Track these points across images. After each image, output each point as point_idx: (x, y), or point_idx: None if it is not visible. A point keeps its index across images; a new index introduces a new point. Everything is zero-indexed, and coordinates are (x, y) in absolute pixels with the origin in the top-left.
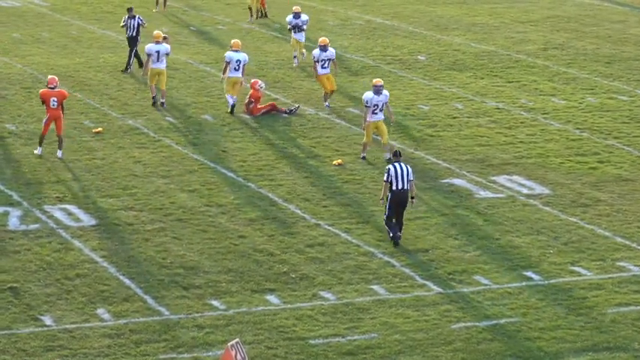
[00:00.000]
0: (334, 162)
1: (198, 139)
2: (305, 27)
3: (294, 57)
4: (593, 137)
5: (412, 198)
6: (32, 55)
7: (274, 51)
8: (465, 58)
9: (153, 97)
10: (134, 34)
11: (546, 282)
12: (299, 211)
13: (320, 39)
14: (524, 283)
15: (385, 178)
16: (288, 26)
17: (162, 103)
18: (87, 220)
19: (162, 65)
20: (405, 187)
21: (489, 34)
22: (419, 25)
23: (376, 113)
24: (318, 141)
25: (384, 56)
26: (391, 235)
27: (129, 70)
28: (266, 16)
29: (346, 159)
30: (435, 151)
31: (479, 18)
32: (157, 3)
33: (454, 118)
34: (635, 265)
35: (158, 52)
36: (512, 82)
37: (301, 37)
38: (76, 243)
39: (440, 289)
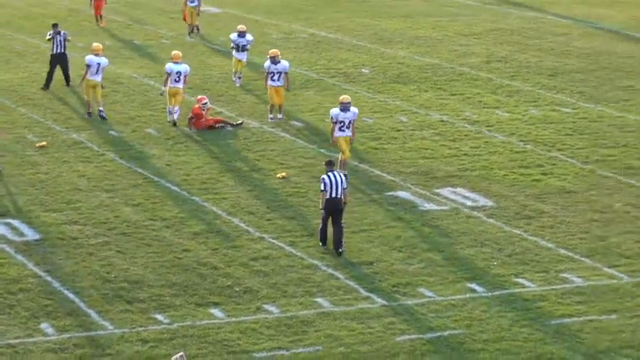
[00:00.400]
0: (278, 175)
1: (142, 152)
2: (249, 47)
3: (237, 77)
4: (537, 149)
5: (344, 203)
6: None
7: (218, 65)
8: (408, 71)
9: (88, 113)
10: (62, 50)
11: (490, 294)
12: (243, 225)
13: (271, 50)
14: (468, 295)
15: (322, 188)
16: (232, 45)
17: (101, 111)
18: (31, 234)
19: (98, 78)
20: (339, 196)
21: (433, 47)
22: (363, 39)
23: (343, 130)
24: (263, 154)
25: (327, 69)
26: (320, 239)
27: (70, 84)
28: (197, 30)
29: (290, 172)
30: (379, 163)
31: (422, 31)
32: (101, 19)
33: (398, 130)
34: (578, 277)
35: (99, 64)
36: (456, 94)
37: (243, 56)
38: (20, 257)
39: (384, 302)
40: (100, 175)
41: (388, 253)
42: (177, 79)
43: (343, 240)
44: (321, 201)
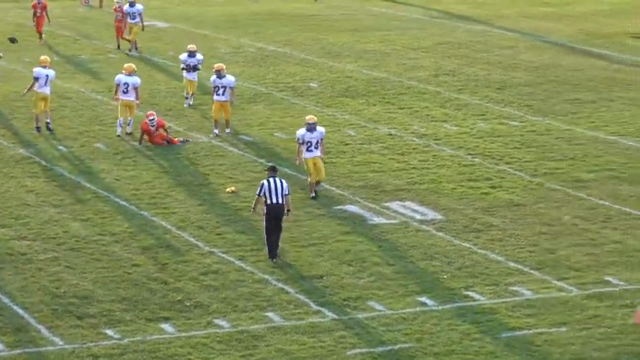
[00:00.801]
0: (227, 189)
1: (90, 167)
2: (199, 66)
3: (186, 98)
4: (485, 163)
5: (288, 211)
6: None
7: (166, 79)
8: (357, 84)
9: (37, 128)
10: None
11: (440, 307)
12: (193, 239)
13: (216, 65)
14: (418, 309)
15: (257, 192)
16: (182, 65)
17: (48, 123)
18: None
19: (47, 90)
20: (280, 202)
21: (381, 61)
22: (311, 53)
23: (311, 150)
24: (212, 168)
25: (276, 83)
26: (268, 250)
27: None
28: (136, 48)
29: (239, 186)
30: (328, 177)
31: (370, 45)
32: (41, 37)
33: (347, 144)
34: (527, 290)
35: (47, 76)
36: (404, 108)
37: (194, 76)
38: None
39: (335, 316)
40: (49, 190)
41: (338, 267)
42: (125, 90)
43: (279, 245)
44: (254, 204)
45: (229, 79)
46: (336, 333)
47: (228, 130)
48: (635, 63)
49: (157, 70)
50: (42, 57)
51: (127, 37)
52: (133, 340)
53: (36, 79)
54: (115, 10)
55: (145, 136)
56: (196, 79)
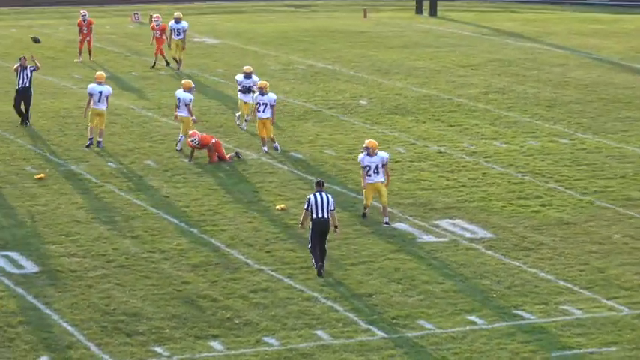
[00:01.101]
0: (277, 207)
1: (140, 184)
2: (255, 88)
3: (243, 120)
4: (535, 181)
5: (335, 227)
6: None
7: (216, 96)
8: (406, 102)
9: (90, 139)
10: (27, 84)
11: (490, 326)
12: (242, 257)
13: (259, 82)
14: (468, 327)
15: (305, 207)
16: (238, 87)
17: (100, 143)
18: (29, 266)
19: (103, 106)
20: (326, 217)
21: (431, 78)
22: (361, 70)
23: (370, 175)
24: (261, 186)
25: (326, 101)
26: (314, 264)
27: (28, 123)
28: (179, 65)
29: (289, 204)
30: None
31: (420, 62)
32: (80, 53)
33: (396, 162)
34: (577, 309)
35: (101, 92)
36: (454, 126)
37: (250, 98)
38: (19, 290)
39: (384, 334)
40: (99, 207)
41: (387, 285)
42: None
43: (324, 262)
44: (302, 218)
45: (271, 96)
46: (385, 351)
47: (275, 145)
48: None
49: (207, 87)
50: (98, 73)
51: (175, 56)
52: (182, 358)
53: (90, 95)
54: (153, 28)
55: (207, 153)
56: (252, 102)
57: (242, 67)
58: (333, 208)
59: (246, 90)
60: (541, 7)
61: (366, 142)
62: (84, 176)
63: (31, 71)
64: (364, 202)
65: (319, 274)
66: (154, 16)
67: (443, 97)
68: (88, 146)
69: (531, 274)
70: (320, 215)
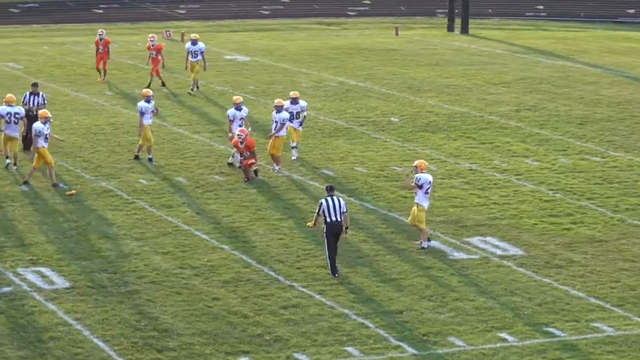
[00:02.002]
0: (308, 224)
1: (171, 201)
2: (305, 114)
3: (293, 148)
4: (567, 198)
5: (346, 228)
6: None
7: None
8: (437, 119)
9: (136, 156)
10: (34, 112)
11: (521, 343)
12: (273, 273)
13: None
14: (498, 345)
15: (317, 211)
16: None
17: (150, 159)
18: (60, 282)
19: (150, 121)
20: (339, 219)
21: (462, 96)
22: (392, 87)
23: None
24: (292, 202)
25: (357, 118)
26: (330, 267)
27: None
28: (197, 87)
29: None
30: (408, 212)
31: (452, 80)
32: (101, 74)
33: None
34: (609, 326)
35: (149, 108)
36: (485, 143)
37: (297, 125)
38: (50, 306)
39: (414, 351)
40: (130, 223)
41: (418, 302)
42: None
43: (336, 260)
44: (314, 220)
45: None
46: None
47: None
48: None
49: None
50: (144, 90)
51: (194, 77)
52: None
53: (141, 113)
54: (149, 48)
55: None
56: (301, 129)
57: (273, 84)
58: (345, 210)
59: (294, 116)
60: (572, 24)
61: (417, 162)
62: (115, 192)
63: (40, 102)
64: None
65: (334, 274)
66: (150, 36)
67: (474, 114)
68: (135, 158)
69: (562, 292)
70: (334, 219)
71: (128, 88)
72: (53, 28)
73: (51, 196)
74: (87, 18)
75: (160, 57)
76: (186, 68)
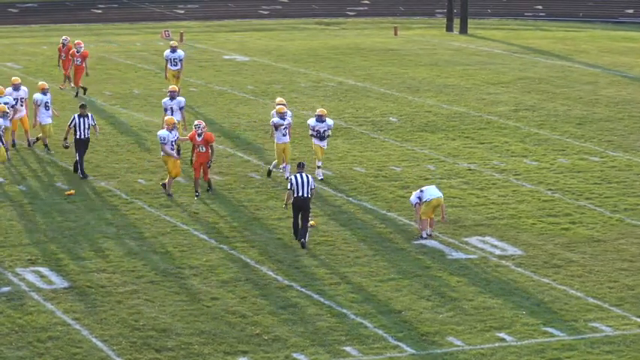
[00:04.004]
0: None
1: (170, 201)
2: (329, 132)
3: (318, 167)
4: (565, 198)
5: (309, 210)
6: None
7: (245, 113)
8: (436, 119)
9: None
10: (86, 135)
11: (519, 343)
12: (271, 273)
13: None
14: (497, 344)
15: (289, 187)
16: (310, 132)
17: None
18: (59, 282)
19: (177, 117)
20: (306, 195)
21: (461, 96)
22: (391, 87)
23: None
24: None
25: (356, 118)
26: (294, 233)
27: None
28: (79, 92)
29: (319, 220)
30: (407, 212)
31: (450, 80)
32: (72, 86)
33: (426, 179)
34: (607, 326)
35: (172, 105)
36: (484, 143)
37: (324, 144)
38: (48, 305)
39: (413, 351)
40: (128, 223)
41: (417, 302)
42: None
43: (307, 234)
44: (286, 199)
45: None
46: None
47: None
48: None
49: (236, 104)
50: (171, 86)
51: (79, 86)
52: None
53: (165, 109)
54: (73, 55)
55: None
56: (326, 146)
57: (272, 84)
58: (314, 187)
59: (321, 135)
60: (571, 24)
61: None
62: (114, 192)
63: (91, 124)
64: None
65: (302, 246)
66: (76, 41)
67: (473, 114)
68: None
69: (561, 292)
70: (301, 194)
71: (127, 88)
72: (52, 28)
73: (49, 195)
74: (86, 18)
75: (84, 65)
76: (166, 78)
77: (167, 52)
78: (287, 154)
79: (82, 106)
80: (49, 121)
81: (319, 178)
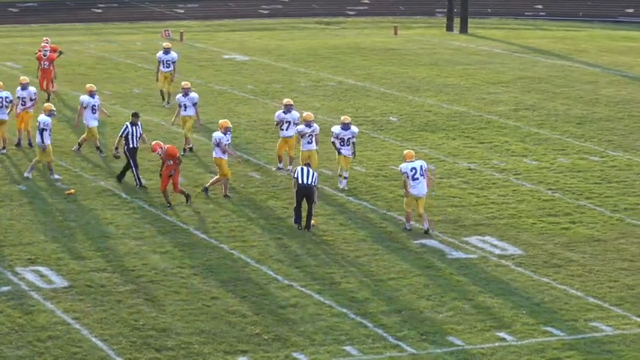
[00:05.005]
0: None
1: (170, 200)
2: (354, 140)
3: (342, 177)
4: (565, 198)
5: (314, 202)
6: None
7: (246, 112)
8: (436, 119)
9: (184, 150)
10: (136, 144)
11: (519, 342)
12: (271, 272)
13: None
14: (497, 344)
15: (294, 175)
16: (332, 139)
17: (191, 149)
18: (59, 281)
19: (191, 112)
20: (309, 183)
21: (461, 95)
22: (391, 87)
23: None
24: (290, 202)
25: (356, 117)
26: (294, 219)
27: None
28: (168, 99)
29: (319, 219)
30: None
31: (450, 79)
32: (48, 96)
33: None
34: (607, 326)
35: (185, 102)
36: (484, 142)
37: (348, 152)
38: (48, 305)
39: (413, 350)
40: (129, 222)
41: (417, 302)
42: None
43: (312, 221)
44: (292, 185)
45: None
46: None
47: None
48: None
49: (236, 104)
50: (183, 83)
51: (164, 89)
52: None
53: (179, 105)
54: (40, 58)
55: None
56: (352, 156)
57: (272, 83)
58: (316, 183)
59: (345, 143)
60: (571, 24)
61: (406, 152)
62: (113, 192)
63: (141, 134)
64: (406, 209)
65: (299, 229)
66: (43, 43)
67: (473, 114)
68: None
69: (561, 291)
70: (305, 181)
71: (127, 88)
72: (52, 27)
73: (50, 195)
74: (86, 17)
75: (52, 67)
76: (157, 80)
77: (160, 53)
78: (313, 162)
79: (135, 115)
80: (95, 123)
81: (341, 186)
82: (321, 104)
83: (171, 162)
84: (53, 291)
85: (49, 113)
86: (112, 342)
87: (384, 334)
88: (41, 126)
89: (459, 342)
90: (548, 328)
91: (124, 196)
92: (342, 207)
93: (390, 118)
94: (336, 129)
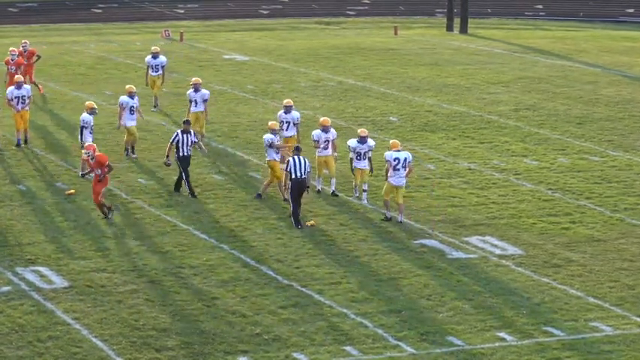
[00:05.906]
0: (307, 223)
1: (170, 200)
2: (370, 154)
3: (363, 191)
4: (565, 198)
5: (307, 187)
6: (5, 116)
7: (246, 112)
8: (436, 119)
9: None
10: (188, 152)
11: (519, 342)
12: (271, 272)
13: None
14: (497, 344)
15: (286, 168)
16: (351, 154)
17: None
18: (59, 282)
19: (201, 108)
20: (303, 176)
21: (461, 96)
22: (391, 87)
23: (392, 176)
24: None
25: (356, 117)
26: (294, 221)
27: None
28: (156, 103)
29: (319, 220)
30: (407, 211)
31: (450, 79)
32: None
33: (426, 179)
34: (607, 326)
35: (196, 98)
36: (484, 142)
37: (365, 164)
38: (49, 305)
39: (413, 350)
40: (129, 222)
41: (417, 302)
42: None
43: (312, 221)
44: (285, 179)
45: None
46: None
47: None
48: None
49: (236, 104)
50: (193, 79)
51: (155, 94)
52: None
53: (190, 101)
54: (7, 62)
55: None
56: (369, 168)
57: (272, 83)
58: (309, 170)
59: (361, 156)
60: (571, 24)
61: (392, 142)
62: (114, 192)
63: (193, 142)
64: (384, 196)
65: (298, 226)
66: (10, 49)
67: (473, 114)
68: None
69: (561, 291)
70: (299, 175)
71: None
72: (52, 27)
73: (50, 195)
74: (85, 18)
75: (19, 72)
76: (146, 84)
77: (148, 57)
78: (331, 168)
79: (186, 122)
80: (133, 123)
81: (364, 203)
82: (321, 104)
83: (99, 171)
84: (53, 291)
85: (91, 111)
86: (112, 342)
87: (384, 334)
88: (81, 124)
89: (459, 342)
90: (548, 328)
91: (124, 196)
92: (342, 207)
93: (390, 118)
94: (353, 142)
